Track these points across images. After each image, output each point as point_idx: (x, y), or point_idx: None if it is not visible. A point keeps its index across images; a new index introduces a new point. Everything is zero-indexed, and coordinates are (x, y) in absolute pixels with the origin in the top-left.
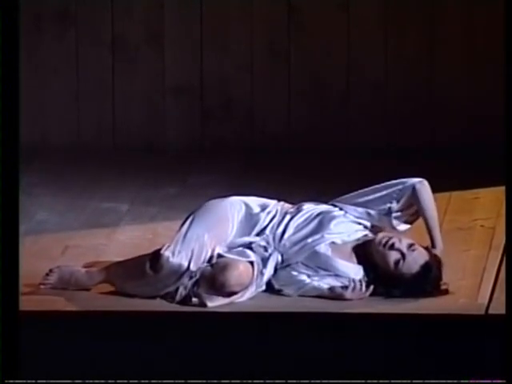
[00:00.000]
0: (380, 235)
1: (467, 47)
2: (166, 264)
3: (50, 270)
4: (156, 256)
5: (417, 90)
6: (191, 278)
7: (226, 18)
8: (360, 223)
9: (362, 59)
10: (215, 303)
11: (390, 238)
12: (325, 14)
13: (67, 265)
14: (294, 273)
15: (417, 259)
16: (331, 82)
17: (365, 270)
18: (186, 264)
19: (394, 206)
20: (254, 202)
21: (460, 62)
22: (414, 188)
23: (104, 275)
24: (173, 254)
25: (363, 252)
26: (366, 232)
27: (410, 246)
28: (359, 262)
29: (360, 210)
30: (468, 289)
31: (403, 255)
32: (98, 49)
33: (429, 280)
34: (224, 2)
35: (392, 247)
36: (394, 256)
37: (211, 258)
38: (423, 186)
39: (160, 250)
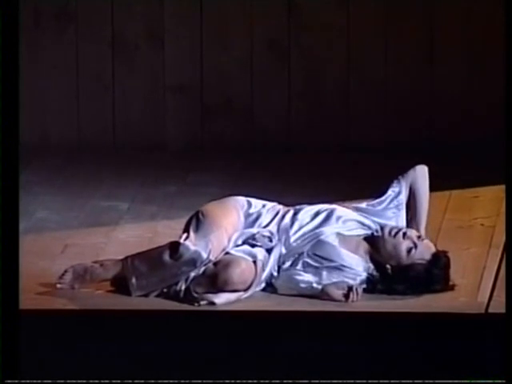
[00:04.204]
0: (388, 227)
1: (467, 46)
2: (186, 252)
3: (65, 271)
4: (175, 245)
5: (416, 89)
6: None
7: (226, 16)
8: (364, 223)
9: (362, 58)
10: (222, 300)
11: (400, 228)
12: (325, 12)
13: (80, 263)
14: (295, 272)
15: (427, 248)
16: (331, 81)
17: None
18: (205, 253)
19: (402, 192)
20: (256, 201)
21: (460, 61)
22: (414, 169)
23: (120, 267)
24: (191, 243)
25: (369, 248)
26: (371, 231)
27: (419, 236)
28: (364, 257)
29: (366, 207)
30: (468, 287)
31: (415, 244)
32: (97, 47)
33: (439, 269)
34: (224, 0)
35: (404, 236)
36: (406, 245)
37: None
38: (423, 168)
39: (177, 241)
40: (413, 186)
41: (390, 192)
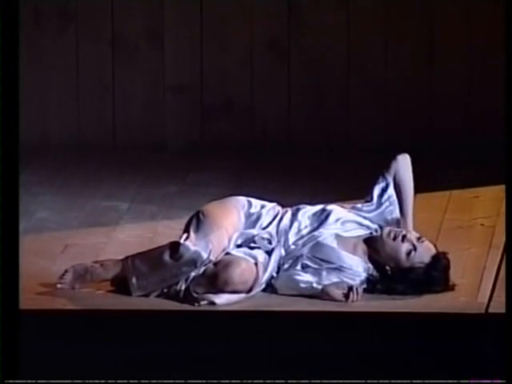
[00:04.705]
0: (387, 229)
1: (467, 46)
2: (186, 252)
3: (65, 271)
4: (175, 245)
5: (416, 89)
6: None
7: (226, 16)
8: (362, 224)
9: (362, 57)
10: (222, 300)
11: (400, 231)
12: (325, 12)
13: (80, 263)
14: (294, 272)
15: (427, 250)
16: (331, 81)
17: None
18: (205, 253)
19: (389, 185)
20: (256, 201)
21: (460, 61)
22: (396, 159)
23: (120, 267)
24: (192, 243)
25: (368, 249)
26: (370, 231)
27: (419, 238)
28: (363, 258)
29: (362, 207)
30: (468, 287)
31: (414, 246)
32: (97, 47)
33: (439, 271)
34: (224, 0)
35: (403, 238)
36: (405, 247)
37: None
38: (405, 158)
39: (178, 241)
40: (396, 177)
41: (378, 189)
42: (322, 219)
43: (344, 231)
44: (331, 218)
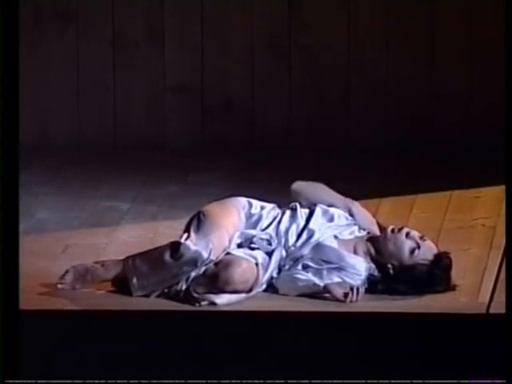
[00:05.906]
0: (390, 227)
1: (467, 46)
2: (187, 252)
3: (66, 271)
4: (176, 245)
5: (417, 89)
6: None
7: (227, 16)
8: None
9: (362, 57)
10: (223, 300)
11: (403, 228)
12: (325, 11)
13: (81, 263)
14: (295, 272)
15: (429, 249)
16: (331, 81)
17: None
18: (205, 253)
19: (313, 208)
20: (255, 202)
21: (460, 61)
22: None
23: (120, 267)
24: (192, 242)
25: (368, 248)
26: (368, 231)
27: (421, 236)
28: (364, 257)
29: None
30: (469, 288)
31: (418, 244)
32: (98, 46)
33: (441, 270)
34: (224, 0)
35: (407, 235)
36: (409, 245)
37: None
38: (296, 185)
39: (178, 240)
40: (307, 199)
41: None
42: (321, 220)
43: (343, 231)
44: (330, 218)
